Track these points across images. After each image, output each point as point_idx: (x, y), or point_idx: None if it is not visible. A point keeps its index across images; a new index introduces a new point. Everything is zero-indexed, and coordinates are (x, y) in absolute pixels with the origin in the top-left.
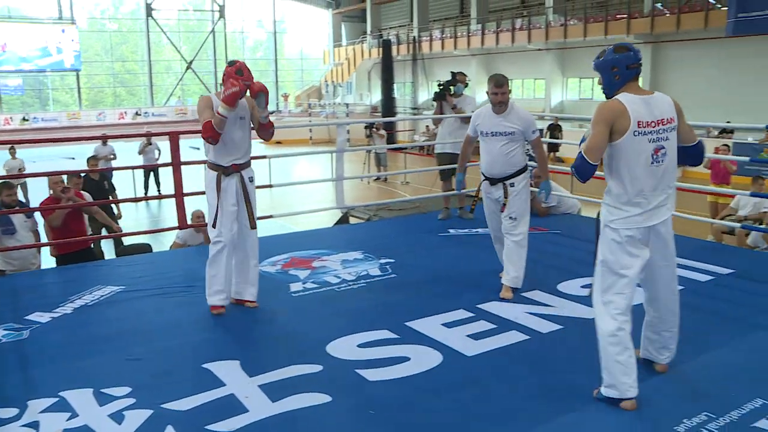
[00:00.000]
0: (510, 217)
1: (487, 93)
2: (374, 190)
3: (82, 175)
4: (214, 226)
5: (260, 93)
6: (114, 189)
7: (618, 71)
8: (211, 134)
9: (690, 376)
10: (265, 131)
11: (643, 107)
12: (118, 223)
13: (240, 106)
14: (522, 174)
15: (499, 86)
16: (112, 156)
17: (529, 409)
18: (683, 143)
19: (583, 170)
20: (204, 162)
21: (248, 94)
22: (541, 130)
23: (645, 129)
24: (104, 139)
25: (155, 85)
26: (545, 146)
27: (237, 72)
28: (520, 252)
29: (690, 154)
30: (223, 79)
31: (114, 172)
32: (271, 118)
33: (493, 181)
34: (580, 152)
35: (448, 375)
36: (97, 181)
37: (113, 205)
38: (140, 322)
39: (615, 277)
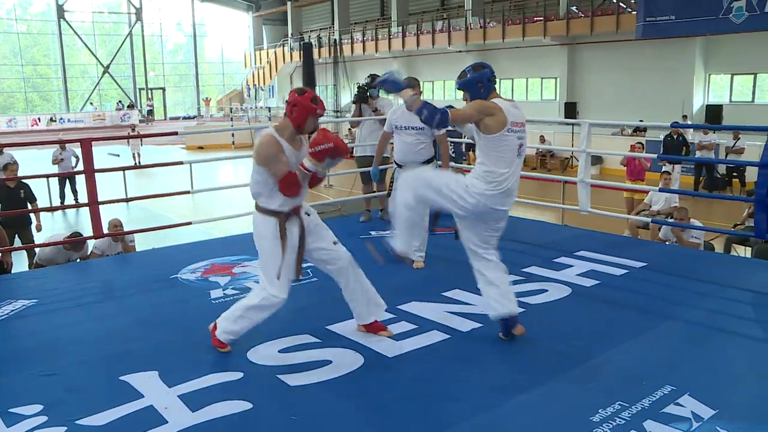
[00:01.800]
0: None
1: None
2: None
3: None
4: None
5: (339, 157)
6: (34, 199)
7: (482, 85)
8: (296, 191)
9: (604, 367)
10: (316, 182)
11: (513, 110)
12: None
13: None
14: (430, 164)
15: (411, 88)
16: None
17: (450, 408)
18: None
19: (442, 122)
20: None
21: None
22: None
23: (514, 128)
24: None
25: (70, 90)
26: (462, 146)
27: (313, 101)
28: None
29: None
30: (290, 109)
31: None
32: (193, 123)
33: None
34: (446, 110)
35: (369, 377)
36: (12, 189)
37: (32, 217)
38: (53, 336)
39: (441, 193)
